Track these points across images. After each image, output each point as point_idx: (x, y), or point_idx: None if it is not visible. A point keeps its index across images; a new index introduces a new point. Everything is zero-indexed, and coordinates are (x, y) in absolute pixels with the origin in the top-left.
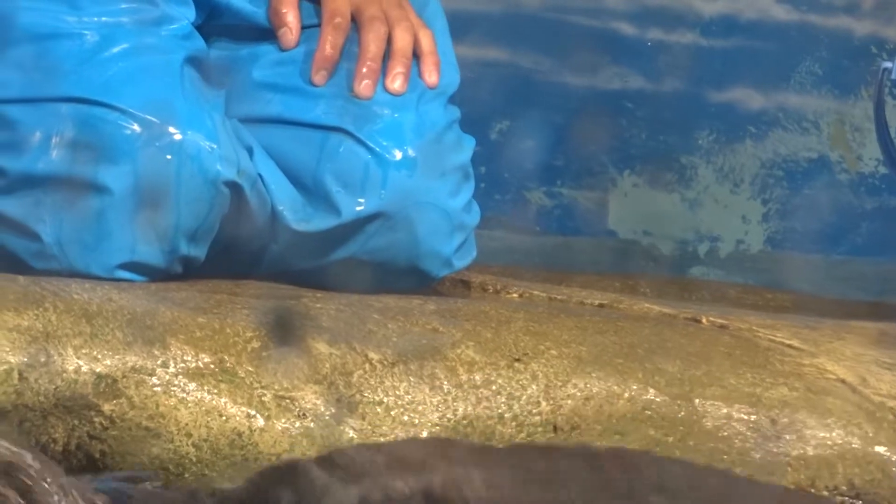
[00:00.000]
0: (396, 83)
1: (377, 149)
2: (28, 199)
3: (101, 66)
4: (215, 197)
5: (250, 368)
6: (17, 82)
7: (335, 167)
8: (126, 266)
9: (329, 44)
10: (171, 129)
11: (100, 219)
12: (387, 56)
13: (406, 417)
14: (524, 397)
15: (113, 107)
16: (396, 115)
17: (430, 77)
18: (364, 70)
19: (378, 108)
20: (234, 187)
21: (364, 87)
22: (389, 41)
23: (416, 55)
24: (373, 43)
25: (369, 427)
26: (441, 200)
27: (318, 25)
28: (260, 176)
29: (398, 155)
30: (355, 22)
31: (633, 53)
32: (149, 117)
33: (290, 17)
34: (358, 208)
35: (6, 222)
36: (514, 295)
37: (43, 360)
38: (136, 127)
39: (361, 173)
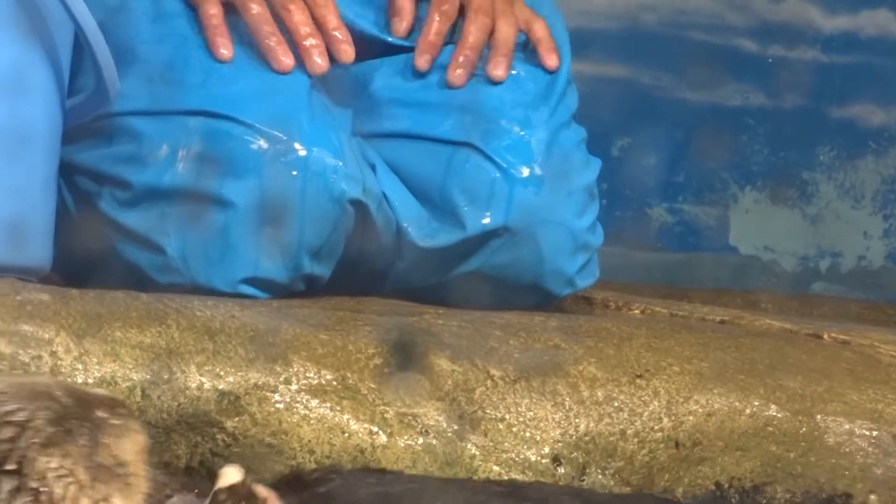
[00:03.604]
0: (499, 70)
1: (504, 165)
2: (153, 213)
3: (228, 81)
4: (340, 215)
5: (372, 385)
6: (145, 95)
7: (462, 182)
8: (249, 281)
9: (434, 30)
10: (297, 146)
11: (224, 233)
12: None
13: (528, 434)
14: (646, 414)
15: (239, 121)
16: (524, 133)
17: (550, 60)
18: (461, 59)
19: (506, 124)
20: (360, 206)
21: (457, 75)
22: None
23: (534, 48)
24: (472, 34)
25: (491, 443)
26: (566, 219)
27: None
28: (384, 194)
29: (525, 172)
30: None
31: (753, 70)
32: (275, 133)
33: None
34: (484, 220)
35: (130, 235)
36: (636, 311)
37: (166, 377)
38: (262, 142)
39: (488, 189)
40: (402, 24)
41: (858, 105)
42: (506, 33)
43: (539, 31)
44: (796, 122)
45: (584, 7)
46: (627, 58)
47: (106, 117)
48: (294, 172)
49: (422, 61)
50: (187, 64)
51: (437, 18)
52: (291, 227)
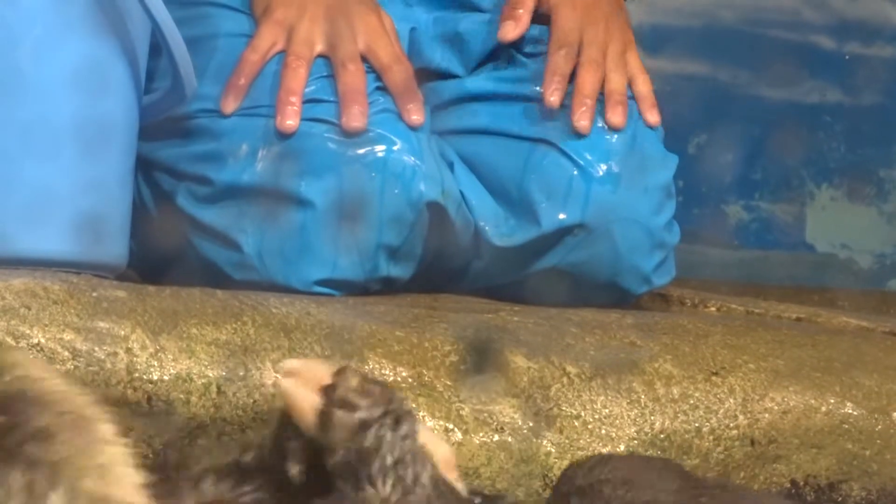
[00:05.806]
0: (617, 117)
1: (581, 162)
2: (231, 210)
3: (308, 80)
4: (417, 217)
5: (448, 382)
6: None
7: (539, 179)
8: (325, 282)
9: (559, 71)
10: (376, 146)
11: (301, 232)
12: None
13: (603, 431)
14: (721, 411)
15: (319, 120)
16: (602, 130)
17: (651, 117)
18: (582, 108)
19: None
20: (437, 208)
21: (583, 126)
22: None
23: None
24: (589, 83)
25: (567, 441)
26: (643, 217)
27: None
28: (461, 193)
29: (602, 169)
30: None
31: (831, 67)
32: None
33: (524, 15)
34: (560, 217)
35: (208, 231)
36: (712, 308)
37: (241, 373)
38: (341, 141)
39: (565, 186)
40: (513, 32)
41: None
42: (617, 83)
43: (642, 86)
44: (873, 120)
45: (663, 4)
46: (705, 55)
47: (186, 115)
48: (373, 174)
49: (554, 98)
50: (268, 65)
51: (560, 59)
52: (369, 228)
